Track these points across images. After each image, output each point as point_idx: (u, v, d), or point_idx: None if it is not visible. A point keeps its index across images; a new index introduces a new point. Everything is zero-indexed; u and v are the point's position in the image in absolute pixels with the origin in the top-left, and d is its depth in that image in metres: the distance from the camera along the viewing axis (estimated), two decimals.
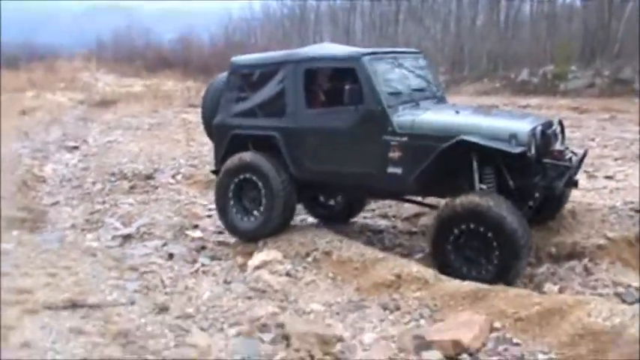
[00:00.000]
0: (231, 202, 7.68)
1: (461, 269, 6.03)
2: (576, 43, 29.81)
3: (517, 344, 4.66)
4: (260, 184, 7.39)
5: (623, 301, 6.00)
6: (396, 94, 6.97)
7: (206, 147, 14.50)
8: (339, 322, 5.30)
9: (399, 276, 5.88)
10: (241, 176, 7.55)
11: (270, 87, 7.53)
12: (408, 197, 7.66)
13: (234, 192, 7.66)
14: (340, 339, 4.92)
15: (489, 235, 5.85)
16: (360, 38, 43.40)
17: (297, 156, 7.31)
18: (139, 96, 27.15)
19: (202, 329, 5.14)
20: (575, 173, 6.88)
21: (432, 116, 6.76)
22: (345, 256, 6.53)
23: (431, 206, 7.52)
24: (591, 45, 29.49)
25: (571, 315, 4.76)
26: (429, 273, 5.86)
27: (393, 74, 7.23)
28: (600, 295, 6.13)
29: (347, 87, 6.80)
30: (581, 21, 31.51)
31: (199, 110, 8.89)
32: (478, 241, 5.96)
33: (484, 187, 6.21)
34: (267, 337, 4.86)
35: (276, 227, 7.45)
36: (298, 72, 7.32)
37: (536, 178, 6.38)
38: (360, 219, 8.85)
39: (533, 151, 6.12)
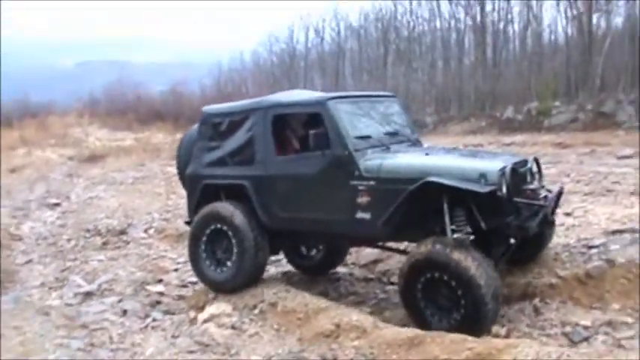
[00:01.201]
0: (204, 254, 7.61)
1: (431, 317, 5.99)
2: (559, 80, 30.11)
3: None
4: (231, 234, 7.30)
5: (571, 341, 6.03)
6: (365, 138, 6.87)
7: (183, 200, 14.63)
8: None
9: (338, 325, 5.93)
10: (213, 227, 7.48)
11: (240, 135, 7.52)
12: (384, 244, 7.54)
13: (206, 243, 7.59)
14: None
15: (453, 284, 5.77)
16: (351, 83, 43.82)
17: (266, 204, 7.22)
18: (129, 150, 27.40)
19: None
20: (553, 212, 6.84)
21: (400, 159, 6.65)
22: (290, 307, 6.57)
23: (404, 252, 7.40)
24: (574, 80, 29.82)
25: (499, 359, 4.80)
26: (369, 321, 5.91)
27: (362, 118, 7.16)
28: (548, 335, 6.18)
29: (314, 132, 6.71)
30: (564, 57, 31.86)
31: None
32: (444, 290, 5.88)
33: (455, 229, 6.08)
34: None
35: (249, 277, 7.33)
36: (267, 119, 7.28)
37: (509, 218, 6.22)
38: None
39: (504, 190, 5.95)
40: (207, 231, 7.55)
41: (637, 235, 7.75)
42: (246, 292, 7.21)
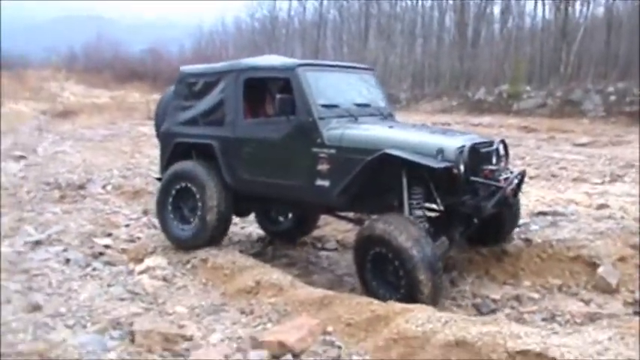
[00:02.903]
0: (171, 211, 7.77)
1: (379, 291, 6.05)
2: (532, 65, 30.53)
3: (339, 347, 5.10)
4: (196, 193, 7.45)
5: (479, 311, 6.46)
6: (332, 106, 6.89)
7: (147, 159, 15.05)
8: (195, 323, 5.74)
9: (259, 282, 6.32)
10: (180, 185, 7.64)
11: (213, 96, 7.62)
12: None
13: (173, 200, 7.75)
14: (189, 338, 5.37)
15: (396, 262, 5.83)
16: (331, 54, 44.04)
17: (232, 165, 7.33)
18: (103, 107, 27.64)
19: (67, 327, 5.55)
20: (515, 194, 6.69)
21: (363, 130, 6.66)
22: (219, 263, 6.96)
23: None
24: (547, 66, 30.26)
25: (393, 321, 5.16)
26: (287, 280, 6.34)
27: (332, 87, 7.19)
28: (459, 305, 6.58)
29: (280, 97, 6.74)
30: (539, 42, 32.27)
31: None
32: (390, 266, 5.94)
33: (412, 205, 6.19)
34: (116, 333, 5.33)
35: (211, 237, 7.49)
36: (238, 81, 7.36)
37: (465, 197, 6.27)
38: (260, 230, 9.29)
39: (461, 168, 5.98)
40: (175, 188, 7.72)
41: (558, 217, 8.26)
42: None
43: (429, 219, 6.60)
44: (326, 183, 6.55)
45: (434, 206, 6.71)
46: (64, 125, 22.57)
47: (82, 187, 12.14)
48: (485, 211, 6.29)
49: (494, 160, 6.58)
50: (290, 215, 8.81)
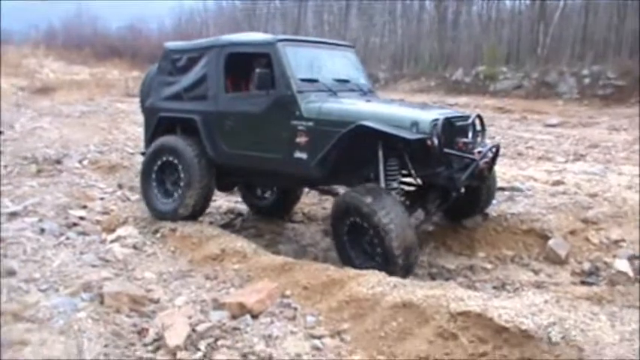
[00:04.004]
0: (154, 184, 7.98)
1: (355, 259, 6.31)
2: (509, 46, 30.86)
3: (295, 308, 5.44)
4: (179, 166, 7.66)
5: (433, 280, 6.76)
6: (311, 81, 7.06)
7: (124, 135, 15.28)
8: (162, 287, 6.06)
9: (224, 250, 6.67)
10: (164, 159, 7.84)
11: (196, 71, 7.81)
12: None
13: (157, 174, 7.96)
14: (156, 301, 5.70)
15: (371, 232, 6.05)
16: (312, 33, 44.08)
17: (214, 139, 7.51)
18: (82, 84, 27.66)
19: (41, 290, 5.83)
20: (490, 168, 6.80)
21: (340, 104, 6.82)
22: (187, 232, 7.29)
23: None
24: (524, 48, 30.60)
25: (347, 285, 5.50)
26: (250, 248, 6.69)
27: (312, 62, 7.36)
28: (415, 275, 6.90)
29: (260, 71, 6.89)
30: (517, 24, 32.59)
31: (136, 99, 9.05)
32: (366, 236, 6.15)
33: (388, 177, 6.39)
34: (86, 296, 5.63)
35: (193, 209, 7.68)
36: (220, 57, 7.55)
37: (439, 169, 6.45)
38: (230, 203, 9.65)
39: (435, 140, 6.09)
40: (159, 162, 7.93)
41: (515, 192, 8.62)
42: (152, 218, 7.98)
43: (406, 192, 6.91)
44: (304, 155, 6.73)
45: (411, 180, 7.00)
46: (42, 101, 22.62)
47: (58, 161, 12.29)
48: (459, 183, 6.51)
49: (470, 135, 6.73)
50: (273, 190, 9.08)
